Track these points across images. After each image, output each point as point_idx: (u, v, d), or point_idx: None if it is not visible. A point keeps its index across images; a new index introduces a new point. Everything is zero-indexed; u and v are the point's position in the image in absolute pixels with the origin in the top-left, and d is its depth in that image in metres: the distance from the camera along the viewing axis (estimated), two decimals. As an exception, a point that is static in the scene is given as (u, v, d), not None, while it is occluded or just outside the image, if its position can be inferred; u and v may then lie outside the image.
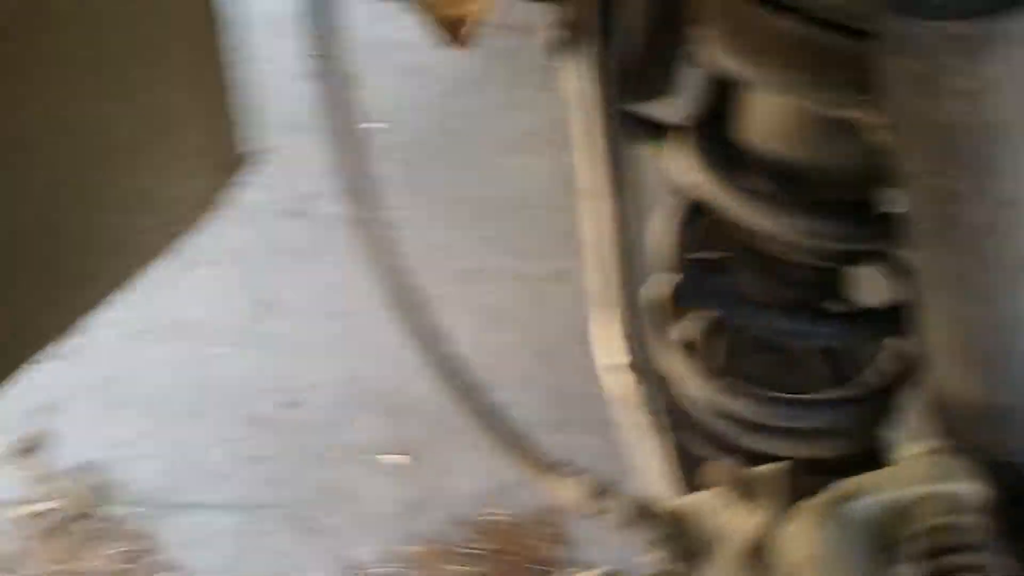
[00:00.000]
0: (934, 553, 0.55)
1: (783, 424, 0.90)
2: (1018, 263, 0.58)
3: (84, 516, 1.83)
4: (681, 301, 0.89)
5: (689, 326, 0.93)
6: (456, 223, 2.25)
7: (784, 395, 0.87)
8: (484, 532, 1.79)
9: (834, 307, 0.90)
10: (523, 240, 2.24)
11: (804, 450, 0.90)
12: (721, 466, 0.70)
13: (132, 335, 2.08)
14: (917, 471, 0.58)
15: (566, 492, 0.75)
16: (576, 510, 0.71)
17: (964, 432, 0.70)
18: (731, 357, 0.92)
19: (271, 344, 2.06)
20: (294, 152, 2.28)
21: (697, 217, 0.88)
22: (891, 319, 0.79)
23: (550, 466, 0.80)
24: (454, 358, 0.91)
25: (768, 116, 0.76)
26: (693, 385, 0.88)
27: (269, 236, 2.23)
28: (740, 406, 0.86)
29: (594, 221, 0.82)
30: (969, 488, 0.57)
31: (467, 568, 1.75)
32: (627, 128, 0.80)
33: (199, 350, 2.06)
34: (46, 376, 1.94)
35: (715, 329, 0.93)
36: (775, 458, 0.88)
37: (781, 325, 0.85)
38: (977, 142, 0.51)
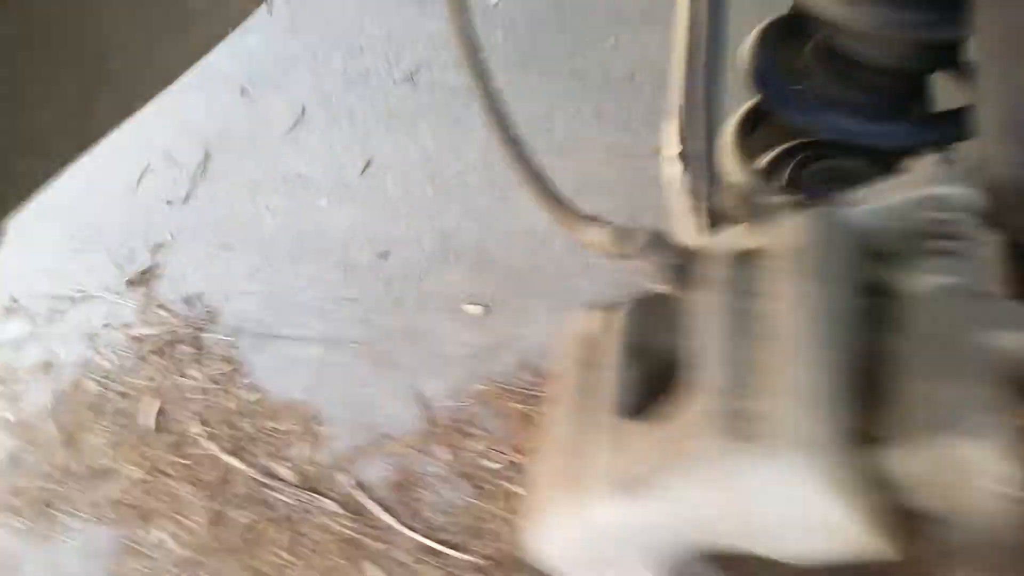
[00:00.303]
0: (923, 238, 0.54)
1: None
2: None
3: (186, 341, 1.99)
4: (764, 104, 0.90)
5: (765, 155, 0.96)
6: (560, 95, 2.26)
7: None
8: (547, 377, 1.82)
9: (910, 111, 0.89)
10: (626, 115, 2.22)
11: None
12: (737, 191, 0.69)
13: (248, 184, 2.23)
14: (911, 179, 0.58)
15: (593, 236, 0.77)
16: (601, 252, 0.73)
17: (1010, 212, 0.69)
18: (793, 184, 0.96)
19: (372, 199, 2.15)
20: (409, 24, 2.38)
21: (785, 33, 0.89)
22: (962, 122, 0.76)
23: (582, 217, 0.83)
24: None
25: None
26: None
27: (381, 100, 2.32)
28: None
29: (680, 20, 0.85)
30: (961, 191, 0.56)
31: (528, 407, 1.79)
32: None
33: (306, 201, 2.18)
34: (164, 216, 2.13)
35: (783, 157, 0.97)
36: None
37: (860, 128, 0.86)
38: None
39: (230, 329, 2.01)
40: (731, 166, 0.94)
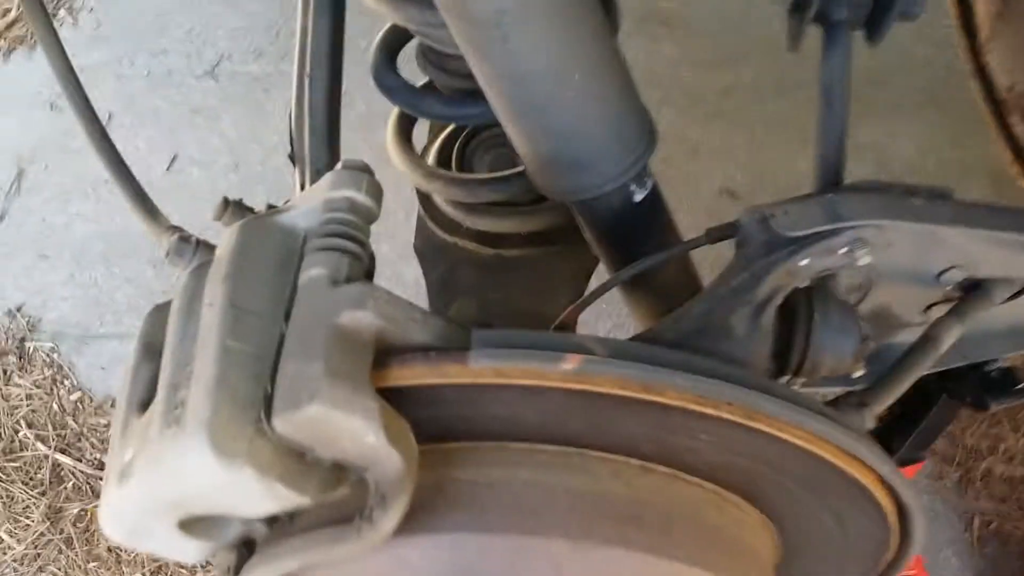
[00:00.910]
0: (312, 235, 0.63)
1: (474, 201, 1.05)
2: (494, 19, 0.66)
3: (9, 352, 2.08)
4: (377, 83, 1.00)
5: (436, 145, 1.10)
6: (363, 73, 2.35)
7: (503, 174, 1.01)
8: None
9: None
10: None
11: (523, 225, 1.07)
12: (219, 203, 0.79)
13: (59, 195, 2.30)
14: (324, 182, 0.66)
15: (164, 245, 0.82)
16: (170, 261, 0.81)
17: (534, 175, 0.82)
18: (466, 158, 1.08)
19: (178, 194, 2.24)
20: (209, 20, 2.45)
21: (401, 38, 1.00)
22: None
23: (167, 227, 0.90)
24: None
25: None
26: (436, 189, 1.06)
27: (185, 97, 2.40)
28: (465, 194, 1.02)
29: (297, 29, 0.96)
30: (358, 194, 0.65)
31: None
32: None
33: (115, 204, 2.26)
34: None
35: (449, 139, 1.09)
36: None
37: (435, 109, 0.96)
38: None
39: (50, 335, 2.09)
40: (403, 163, 1.04)
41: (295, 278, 0.62)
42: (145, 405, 0.61)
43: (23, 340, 2.08)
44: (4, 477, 1.90)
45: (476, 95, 0.88)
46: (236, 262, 0.61)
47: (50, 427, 1.96)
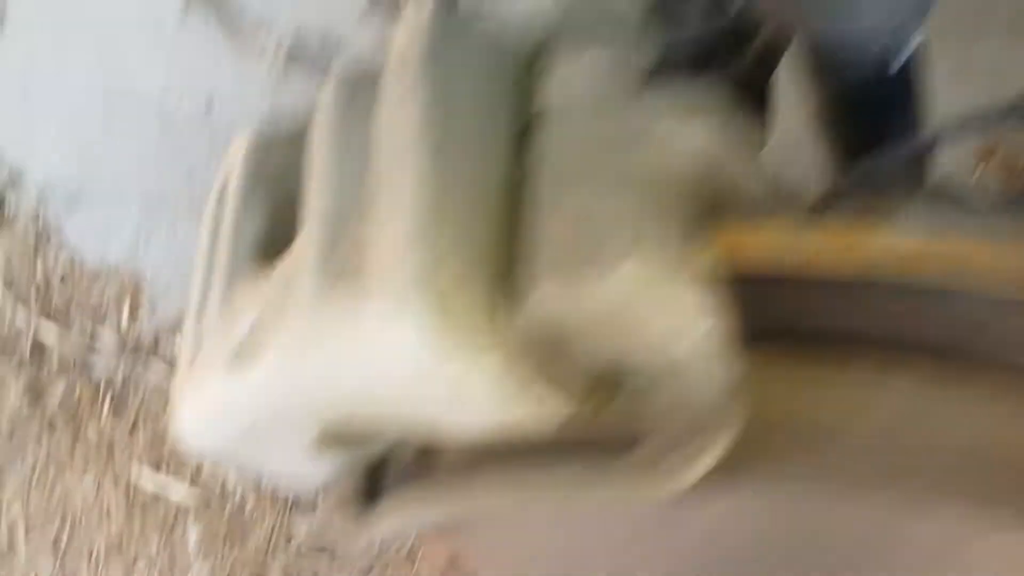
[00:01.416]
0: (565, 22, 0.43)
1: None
2: None
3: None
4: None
5: None
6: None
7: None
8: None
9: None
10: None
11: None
12: None
13: (51, 34, 2.02)
14: None
15: None
16: None
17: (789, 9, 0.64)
18: None
19: (192, 46, 1.98)
20: None
21: None
22: None
23: None
24: None
25: None
26: None
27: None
28: None
29: None
30: None
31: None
32: None
33: (118, 49, 1.99)
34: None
35: None
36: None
37: None
38: None
39: (36, 191, 1.83)
40: None
41: (522, 81, 0.41)
42: (264, 254, 0.43)
43: (3, 191, 1.80)
44: (-23, 343, 1.64)
45: None
46: (435, 51, 0.40)
47: (34, 292, 1.70)
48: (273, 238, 0.44)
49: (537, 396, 0.36)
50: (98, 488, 1.61)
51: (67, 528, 1.62)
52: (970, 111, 0.46)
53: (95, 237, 1.78)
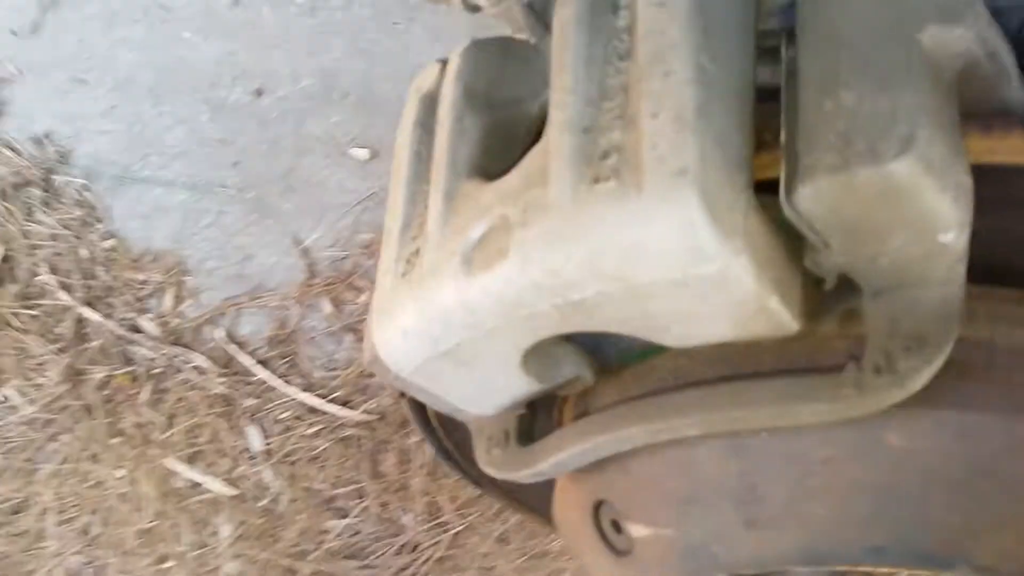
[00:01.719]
0: None
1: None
2: None
3: (34, 183, 1.77)
4: None
5: None
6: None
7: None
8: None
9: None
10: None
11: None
12: None
13: (103, 14, 1.99)
14: None
15: None
16: (453, 4, 0.62)
17: None
18: None
19: (244, 32, 1.94)
20: None
21: None
22: None
23: None
24: None
25: None
26: None
27: (256, -71, 2.09)
28: None
29: None
30: None
31: (416, 255, 1.65)
32: None
33: (169, 33, 1.95)
34: (9, 48, 1.88)
35: None
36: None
37: None
38: None
39: (84, 171, 1.80)
40: None
41: None
42: (481, 171, 0.44)
43: (50, 172, 1.77)
44: (20, 325, 1.61)
45: None
46: None
47: (77, 275, 1.67)
48: (491, 154, 0.45)
49: (774, 308, 0.37)
50: (131, 479, 1.57)
51: (98, 518, 1.59)
52: None
53: (141, 221, 1.75)
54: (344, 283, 1.66)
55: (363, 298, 1.67)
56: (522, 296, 0.38)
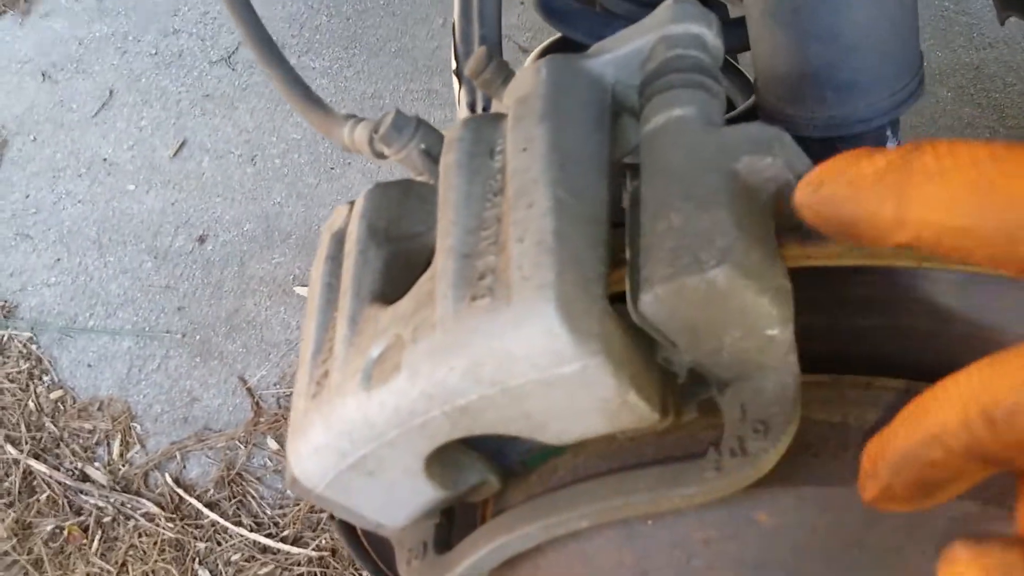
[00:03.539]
0: (658, 75, 0.48)
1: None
2: None
3: (-19, 338, 1.80)
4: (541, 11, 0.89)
5: None
6: (389, 76, 2.18)
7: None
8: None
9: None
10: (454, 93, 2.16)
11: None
12: (482, 52, 0.64)
13: (48, 171, 2.05)
14: (656, 18, 0.52)
15: (351, 135, 0.73)
16: (361, 151, 0.68)
17: (778, 102, 0.69)
18: None
19: (186, 183, 2.02)
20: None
21: None
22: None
23: (338, 117, 0.80)
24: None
25: None
26: None
27: (196, 82, 2.18)
28: None
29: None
30: (708, 31, 0.50)
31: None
32: None
33: (113, 186, 2.02)
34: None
35: None
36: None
37: None
38: None
39: (30, 324, 1.83)
40: None
41: (613, 130, 0.49)
42: (382, 297, 0.47)
43: (-5, 328, 1.80)
44: (-35, 481, 1.61)
45: None
46: (553, 100, 0.47)
47: (23, 428, 1.68)
48: (391, 282, 0.48)
49: (633, 402, 0.40)
50: (82, 631, 1.56)
51: (48, 674, 1.57)
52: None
53: (87, 370, 1.77)
54: (287, 419, 1.69)
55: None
56: (414, 406, 0.42)
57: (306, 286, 1.83)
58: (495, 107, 0.56)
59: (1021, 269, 0.29)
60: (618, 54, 0.51)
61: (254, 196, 1.98)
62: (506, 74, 0.56)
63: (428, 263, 0.47)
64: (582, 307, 0.39)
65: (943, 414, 0.30)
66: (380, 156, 0.65)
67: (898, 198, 0.31)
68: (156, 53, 2.25)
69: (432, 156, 0.56)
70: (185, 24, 2.30)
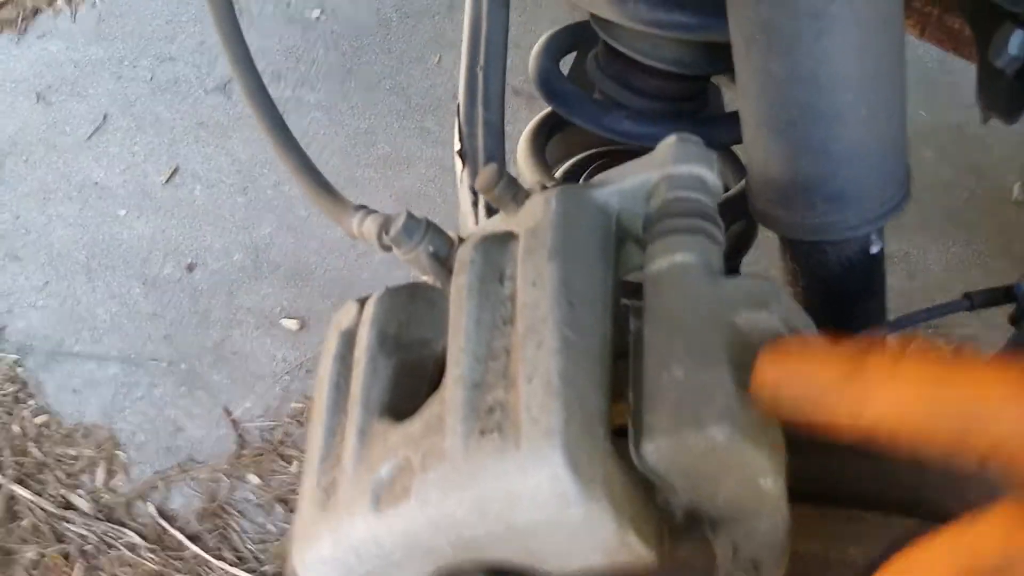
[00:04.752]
0: (664, 217, 0.51)
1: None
2: (821, 8, 0.56)
3: (-34, 359, 1.80)
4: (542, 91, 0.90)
5: (563, 166, 0.96)
6: (383, 111, 2.21)
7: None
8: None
9: (694, 112, 0.88)
10: (448, 132, 2.19)
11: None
12: (491, 170, 0.66)
13: (39, 193, 2.06)
14: (660, 156, 0.54)
15: (360, 226, 0.74)
16: (371, 243, 0.70)
17: (769, 203, 0.70)
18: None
19: (177, 210, 2.03)
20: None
21: (573, 41, 0.90)
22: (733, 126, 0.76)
23: (350, 207, 0.81)
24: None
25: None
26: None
27: (191, 109, 2.20)
28: None
29: (467, 20, 0.86)
30: (708, 172, 0.53)
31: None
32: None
33: (104, 211, 2.03)
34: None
35: (581, 164, 0.96)
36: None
37: (633, 128, 0.84)
38: None
39: (16, 347, 1.83)
40: (528, 173, 0.93)
41: (618, 254, 0.52)
42: (391, 409, 0.48)
43: (-20, 350, 1.81)
44: (-54, 505, 1.61)
45: (661, 115, 0.82)
46: (563, 236, 0.49)
47: (7, 452, 1.68)
48: (400, 393, 0.49)
49: (631, 542, 0.42)
50: (56, 659, 1.56)
51: None
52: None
53: (73, 396, 1.78)
54: (274, 453, 1.71)
55: (293, 467, 1.71)
56: (421, 532, 0.43)
57: (292, 318, 1.85)
58: (502, 217, 0.58)
59: (978, 459, 0.33)
60: (623, 186, 0.54)
61: (244, 226, 1.99)
62: (515, 191, 0.57)
63: (437, 372, 0.48)
64: (587, 453, 0.41)
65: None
66: (387, 250, 0.66)
67: (854, 405, 0.35)
68: (152, 79, 2.26)
69: (439, 258, 0.58)
70: (182, 51, 2.32)
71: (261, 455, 1.71)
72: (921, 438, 0.33)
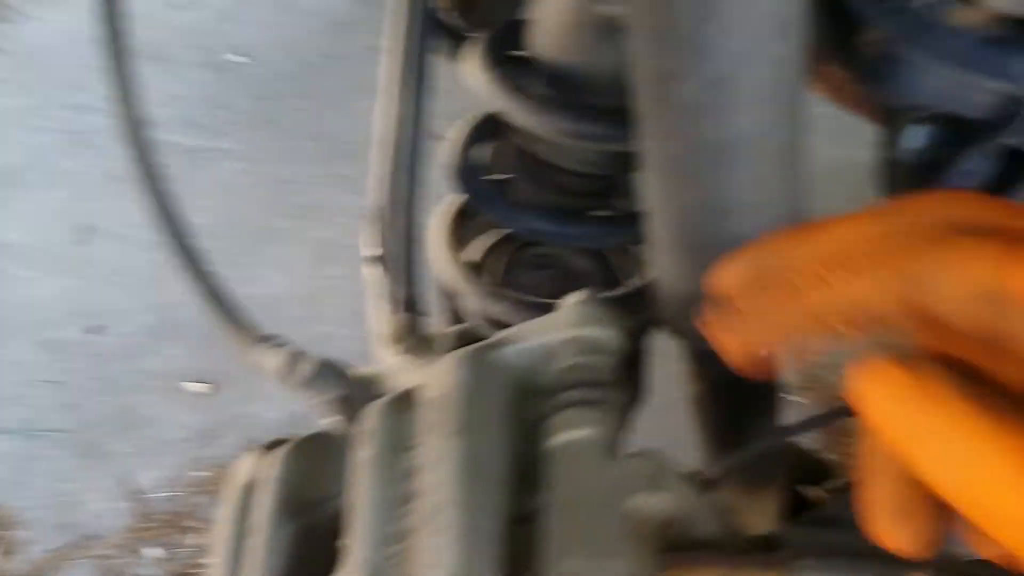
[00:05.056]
0: (564, 388, 0.52)
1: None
2: (724, 144, 0.56)
3: None
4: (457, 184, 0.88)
5: (476, 245, 0.92)
6: (304, 160, 2.16)
7: (547, 300, 0.85)
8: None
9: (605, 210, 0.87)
10: (366, 179, 2.15)
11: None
12: (402, 319, 0.65)
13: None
14: (563, 318, 0.56)
15: (265, 360, 0.70)
16: (275, 377, 0.66)
17: (678, 320, 0.70)
18: (509, 272, 0.91)
19: (85, 270, 1.97)
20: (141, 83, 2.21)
21: (487, 131, 0.88)
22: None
23: (257, 337, 0.76)
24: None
25: (547, 19, 0.75)
26: (470, 296, 0.89)
27: (103, 163, 2.14)
28: (505, 313, 0.85)
29: (381, 118, 0.83)
30: (606, 333, 0.55)
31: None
32: (431, 31, 0.79)
33: (8, 272, 1.96)
34: None
35: (497, 246, 0.92)
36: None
37: (543, 227, 0.84)
38: (688, 22, 0.50)
39: (-91, 422, 1.76)
40: (441, 260, 0.90)
41: (528, 434, 0.52)
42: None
43: None
44: None
45: (578, 216, 0.82)
46: (468, 410, 0.50)
47: None
48: (301, 562, 0.50)
49: None
50: None
51: None
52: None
53: (-33, 471, 1.71)
54: (175, 525, 1.65)
55: (198, 539, 1.65)
56: None
57: (201, 382, 1.79)
58: (410, 361, 0.59)
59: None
60: (525, 347, 0.54)
61: (154, 285, 1.93)
62: (424, 343, 0.59)
63: (338, 529, 0.48)
64: None
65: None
66: (289, 389, 0.64)
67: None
68: (63, 131, 2.20)
69: (351, 401, 0.57)
70: (94, 100, 2.25)
71: (161, 528, 1.64)
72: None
